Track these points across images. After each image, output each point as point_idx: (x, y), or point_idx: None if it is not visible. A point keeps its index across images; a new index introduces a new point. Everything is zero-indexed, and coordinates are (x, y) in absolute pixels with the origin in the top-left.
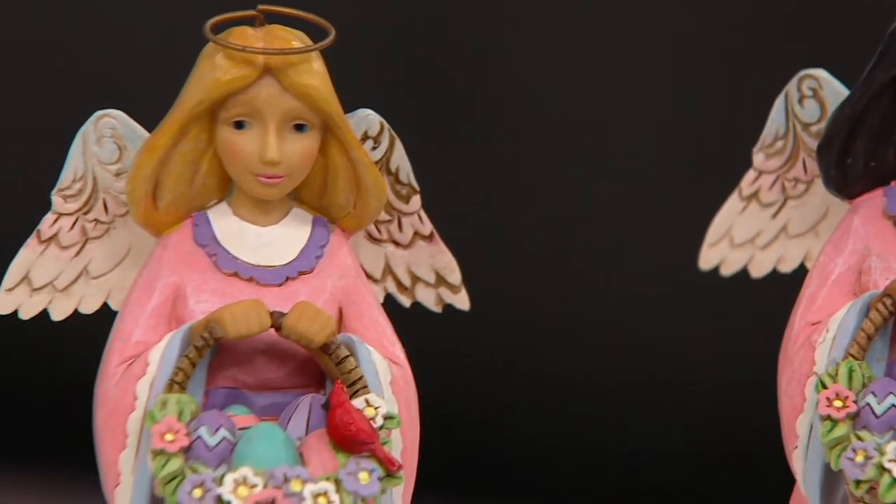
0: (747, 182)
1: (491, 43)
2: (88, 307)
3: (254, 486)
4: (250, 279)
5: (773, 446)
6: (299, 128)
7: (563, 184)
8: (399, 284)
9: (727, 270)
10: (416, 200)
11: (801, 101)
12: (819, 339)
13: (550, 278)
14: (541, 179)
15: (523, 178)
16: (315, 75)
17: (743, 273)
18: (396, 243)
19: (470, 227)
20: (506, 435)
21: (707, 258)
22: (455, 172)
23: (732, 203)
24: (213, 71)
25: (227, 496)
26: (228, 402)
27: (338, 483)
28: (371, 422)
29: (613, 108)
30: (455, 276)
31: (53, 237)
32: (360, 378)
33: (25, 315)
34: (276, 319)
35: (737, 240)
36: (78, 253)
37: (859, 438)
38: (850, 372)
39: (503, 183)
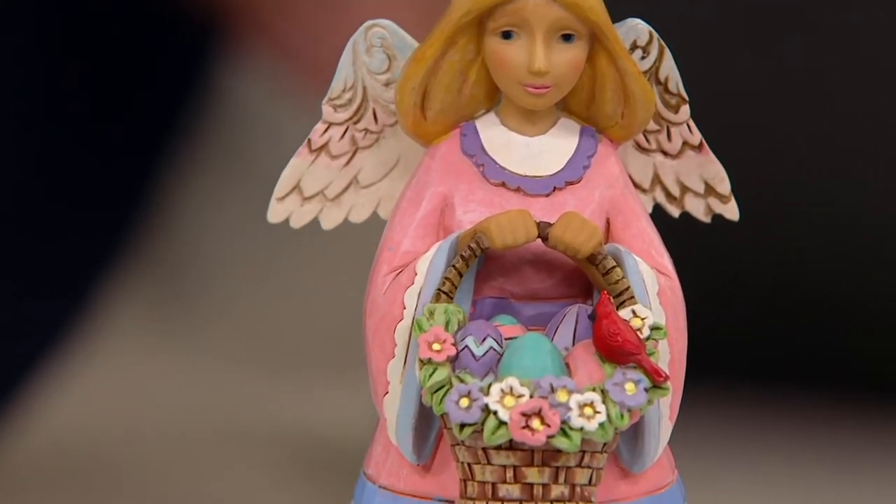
0: None
1: None
2: (358, 216)
3: (520, 395)
4: (517, 189)
5: None
6: (567, 38)
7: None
8: (668, 194)
9: None
10: (685, 110)
11: None
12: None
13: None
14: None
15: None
16: None
17: None
18: (665, 153)
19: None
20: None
21: None
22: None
23: None
24: None
25: (493, 405)
26: (495, 312)
27: (604, 393)
28: (637, 332)
29: None
30: (724, 185)
31: (324, 146)
32: (626, 289)
33: (296, 224)
34: (543, 230)
35: None
36: (348, 162)
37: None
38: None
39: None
